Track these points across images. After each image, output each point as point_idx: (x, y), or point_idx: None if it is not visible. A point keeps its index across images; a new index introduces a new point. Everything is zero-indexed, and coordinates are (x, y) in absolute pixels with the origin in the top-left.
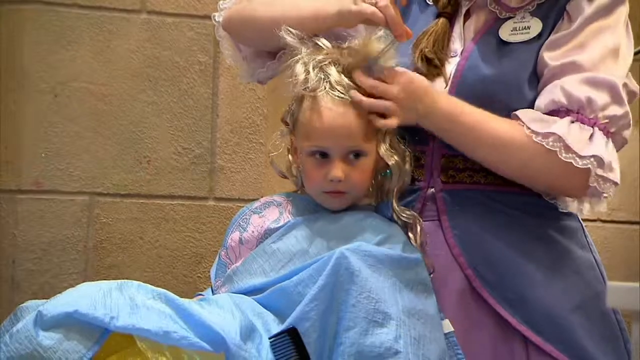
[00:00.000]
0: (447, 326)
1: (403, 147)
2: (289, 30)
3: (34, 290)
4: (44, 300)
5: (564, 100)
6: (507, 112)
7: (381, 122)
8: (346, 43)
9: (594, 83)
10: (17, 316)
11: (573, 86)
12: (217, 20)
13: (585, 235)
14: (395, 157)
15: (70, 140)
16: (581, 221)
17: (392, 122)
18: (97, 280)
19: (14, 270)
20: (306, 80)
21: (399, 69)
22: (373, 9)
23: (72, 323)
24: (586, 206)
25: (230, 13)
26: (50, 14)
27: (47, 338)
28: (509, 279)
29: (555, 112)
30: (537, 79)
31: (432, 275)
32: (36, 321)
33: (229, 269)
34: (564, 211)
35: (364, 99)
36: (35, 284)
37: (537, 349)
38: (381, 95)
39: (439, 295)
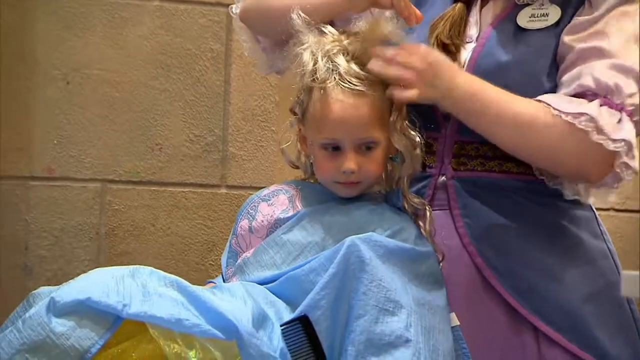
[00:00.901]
0: (454, 320)
1: (414, 133)
2: (299, 14)
3: (47, 277)
4: (57, 287)
5: (592, 85)
6: None
7: (400, 93)
8: (353, 27)
9: (622, 70)
10: (30, 302)
11: (602, 72)
12: (234, 12)
13: (598, 225)
14: (407, 144)
15: (82, 127)
16: (594, 210)
17: (413, 93)
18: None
19: (27, 256)
20: (314, 70)
21: (416, 43)
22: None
23: (84, 310)
24: (592, 196)
25: (247, 4)
26: (63, 0)
27: (60, 325)
28: (520, 269)
29: (582, 95)
30: (556, 68)
31: (441, 264)
32: (49, 308)
33: (239, 257)
34: (578, 200)
35: (385, 66)
36: (48, 270)
37: (548, 340)
38: (402, 65)
39: (447, 284)
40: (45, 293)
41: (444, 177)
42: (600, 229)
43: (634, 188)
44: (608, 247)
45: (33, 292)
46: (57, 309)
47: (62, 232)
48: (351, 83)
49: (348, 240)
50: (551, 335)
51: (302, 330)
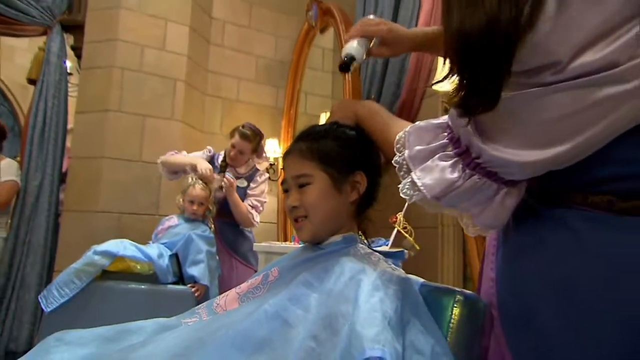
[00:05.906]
0: (219, 258)
1: (214, 205)
2: (188, 165)
3: (98, 242)
4: (98, 245)
5: (252, 205)
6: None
7: (213, 188)
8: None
9: (258, 201)
10: (90, 249)
11: (251, 201)
12: (159, 163)
13: (251, 232)
14: (213, 208)
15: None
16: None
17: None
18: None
19: (93, 237)
20: (191, 181)
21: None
22: (204, 173)
23: (105, 253)
24: (255, 224)
25: (162, 160)
26: (116, 166)
27: (96, 257)
28: (236, 245)
29: (251, 207)
30: (245, 197)
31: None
32: (93, 252)
33: (157, 237)
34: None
35: (213, 180)
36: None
37: (236, 259)
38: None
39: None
40: (94, 247)
41: (217, 221)
42: (251, 231)
43: (270, 217)
44: (252, 238)
45: (91, 247)
46: (96, 253)
47: (110, 229)
48: (202, 186)
49: (188, 234)
50: (238, 259)
51: (175, 258)
